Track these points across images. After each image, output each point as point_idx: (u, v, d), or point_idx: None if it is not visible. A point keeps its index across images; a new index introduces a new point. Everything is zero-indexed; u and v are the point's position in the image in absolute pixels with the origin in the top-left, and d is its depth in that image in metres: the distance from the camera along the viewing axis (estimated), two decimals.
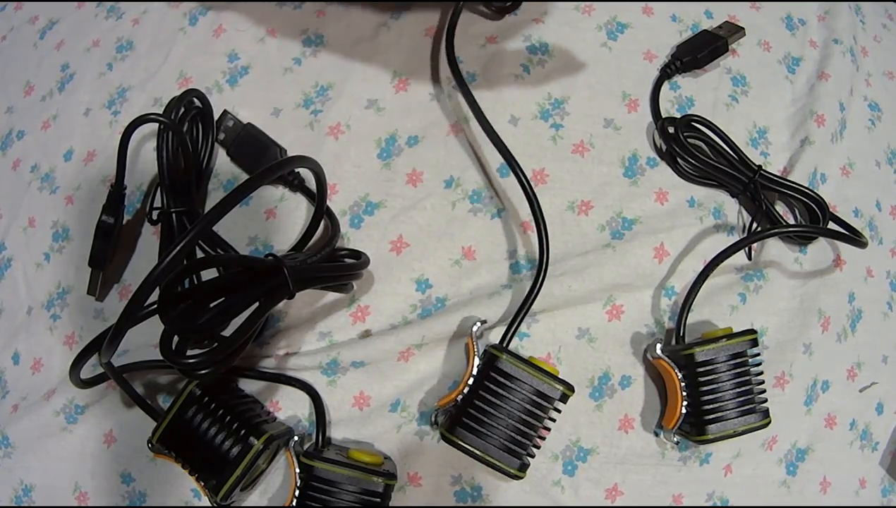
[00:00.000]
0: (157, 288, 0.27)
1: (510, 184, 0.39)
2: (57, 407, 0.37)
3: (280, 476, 0.36)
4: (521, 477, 0.33)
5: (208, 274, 0.36)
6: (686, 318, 0.37)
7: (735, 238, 0.40)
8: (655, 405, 0.37)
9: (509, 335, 0.34)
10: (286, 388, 0.36)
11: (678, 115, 0.41)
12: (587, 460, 0.36)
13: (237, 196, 0.27)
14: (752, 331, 0.36)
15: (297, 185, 0.38)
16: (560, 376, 0.34)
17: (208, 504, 0.33)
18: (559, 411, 0.34)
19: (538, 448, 0.34)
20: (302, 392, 0.36)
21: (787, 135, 0.43)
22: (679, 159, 0.40)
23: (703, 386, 0.35)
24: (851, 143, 0.44)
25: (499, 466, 0.33)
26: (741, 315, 0.39)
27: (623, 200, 0.39)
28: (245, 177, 0.39)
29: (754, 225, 0.40)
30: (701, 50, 0.42)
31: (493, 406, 0.33)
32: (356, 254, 0.36)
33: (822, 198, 0.40)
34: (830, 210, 0.40)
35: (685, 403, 0.35)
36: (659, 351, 0.36)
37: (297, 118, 0.40)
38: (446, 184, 0.39)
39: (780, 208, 0.41)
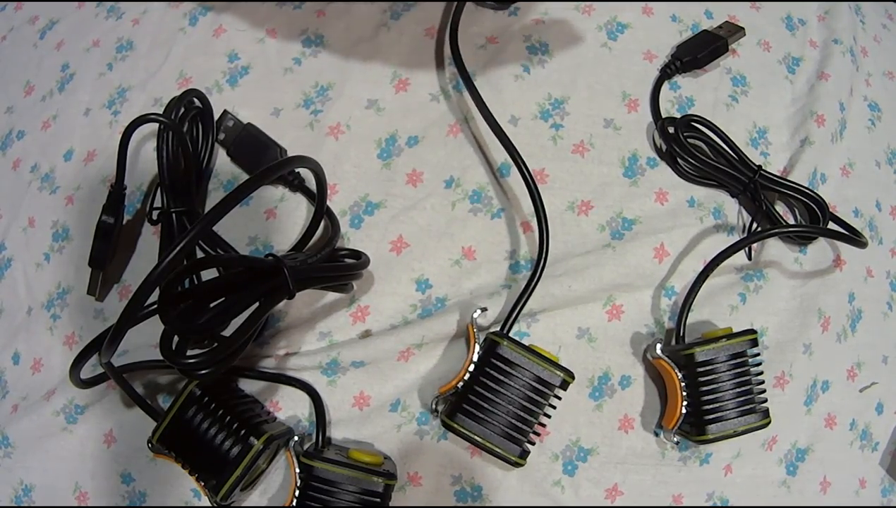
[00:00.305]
0: (157, 288, 0.27)
1: (510, 185, 0.39)
2: (57, 407, 0.37)
3: (280, 476, 0.36)
4: (522, 465, 0.33)
5: (208, 274, 0.36)
6: (686, 318, 0.37)
7: (735, 238, 0.40)
8: (655, 405, 0.37)
9: (510, 321, 0.34)
10: (286, 388, 0.36)
11: (678, 115, 0.41)
12: (587, 460, 0.36)
13: (237, 196, 0.27)
14: (752, 331, 0.36)
15: (298, 185, 0.38)
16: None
17: (208, 504, 0.33)
18: (559, 398, 0.34)
19: (538, 435, 0.34)
20: (302, 392, 0.36)
21: (787, 136, 0.43)
22: (679, 159, 0.40)
23: (703, 386, 0.35)
24: (851, 143, 0.44)
25: (499, 453, 0.33)
26: (741, 315, 0.39)
27: (623, 200, 0.39)
28: (245, 177, 0.39)
29: (754, 225, 0.40)
30: (701, 50, 0.42)
31: (494, 392, 0.33)
32: (356, 254, 0.36)
33: (822, 198, 0.40)
34: (830, 210, 0.40)
35: (685, 403, 0.35)
36: (659, 351, 0.36)
37: (297, 118, 0.40)
38: (446, 184, 0.39)
39: (780, 208, 0.41)
